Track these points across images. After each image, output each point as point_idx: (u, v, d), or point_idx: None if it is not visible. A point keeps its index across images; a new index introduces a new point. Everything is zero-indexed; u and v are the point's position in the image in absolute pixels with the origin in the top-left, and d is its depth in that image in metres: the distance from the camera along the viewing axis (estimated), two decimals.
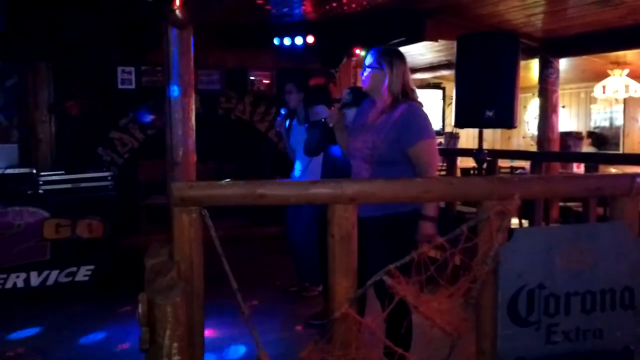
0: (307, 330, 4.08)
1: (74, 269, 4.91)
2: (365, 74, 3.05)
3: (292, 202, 2.11)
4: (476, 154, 5.27)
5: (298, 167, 4.80)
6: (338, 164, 3.94)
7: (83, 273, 4.94)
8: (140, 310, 1.95)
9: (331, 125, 3.22)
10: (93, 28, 6.36)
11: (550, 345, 2.24)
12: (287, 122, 4.93)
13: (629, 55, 7.22)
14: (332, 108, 3.99)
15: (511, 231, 2.21)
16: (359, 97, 3.66)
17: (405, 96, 3.00)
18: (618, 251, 2.26)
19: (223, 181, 2.12)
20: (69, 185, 5.05)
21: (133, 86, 6.86)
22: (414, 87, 3.08)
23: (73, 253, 4.91)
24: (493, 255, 2.13)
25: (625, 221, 2.28)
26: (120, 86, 6.81)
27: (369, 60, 3.05)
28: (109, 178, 5.22)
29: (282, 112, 4.91)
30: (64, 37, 6.29)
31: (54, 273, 4.84)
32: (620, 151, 8.95)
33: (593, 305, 2.26)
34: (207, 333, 2.29)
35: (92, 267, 4.97)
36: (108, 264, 5.05)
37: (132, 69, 6.85)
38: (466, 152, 7.21)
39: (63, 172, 5.11)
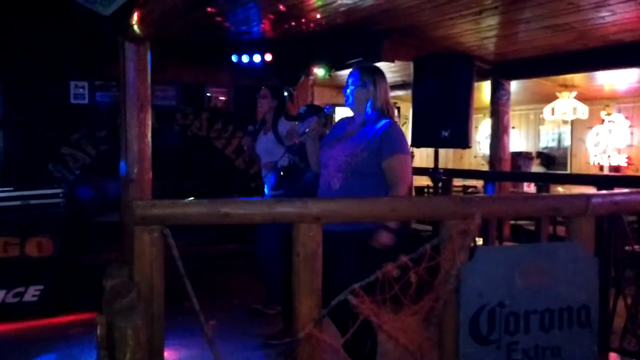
0: (267, 351, 4.03)
1: (22, 289, 4.72)
2: (349, 91, 3.12)
3: (257, 221, 2.09)
4: (432, 173, 5.35)
5: (267, 180, 4.74)
6: (300, 186, 3.92)
7: (32, 293, 4.76)
8: (98, 332, 1.89)
9: (306, 130, 3.23)
10: (46, 41, 6.22)
11: None
12: (256, 130, 4.82)
13: (577, 78, 7.50)
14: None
15: (472, 249, 2.24)
16: (314, 113, 3.70)
17: (386, 113, 3.09)
18: (575, 270, 2.31)
19: (186, 200, 2.08)
20: (18, 202, 4.87)
21: (86, 101, 6.72)
22: (393, 105, 3.19)
23: (21, 273, 4.72)
24: (455, 274, 2.15)
25: (581, 240, 2.34)
26: (73, 101, 6.66)
27: (352, 77, 3.12)
28: (61, 195, 5.06)
29: (249, 128, 4.81)
30: (15, 49, 6.13)
31: (1, 293, 4.64)
32: (568, 171, 9.24)
33: (551, 323, 2.31)
34: (167, 354, 2.24)
35: (41, 287, 4.78)
36: (58, 283, 4.88)
37: (86, 83, 6.72)
38: (421, 171, 7.33)
39: (12, 188, 4.94)
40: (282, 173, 3.98)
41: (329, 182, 3.04)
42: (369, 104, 3.08)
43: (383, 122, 3.03)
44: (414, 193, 7.31)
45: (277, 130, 4.60)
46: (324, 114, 3.45)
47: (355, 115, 3.18)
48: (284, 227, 4.18)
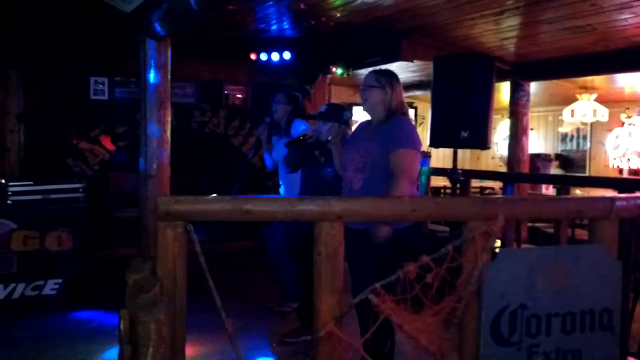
0: (282, 348, 4.04)
1: (41, 282, 4.77)
2: (367, 93, 3.18)
3: (279, 219, 2.10)
4: (451, 173, 5.32)
5: (282, 182, 4.76)
6: (319, 181, 3.91)
7: (50, 287, 4.81)
8: (122, 326, 1.91)
9: (329, 138, 3.32)
10: (66, 37, 6.27)
11: None
12: (268, 134, 4.84)
13: (597, 80, 7.41)
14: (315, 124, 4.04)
15: (494, 251, 2.23)
16: (335, 112, 3.74)
17: (400, 113, 3.17)
18: (598, 273, 2.30)
19: (209, 196, 2.09)
20: (38, 197, 4.91)
21: (106, 97, 6.76)
22: (407, 106, 3.27)
23: (41, 266, 4.77)
24: (477, 275, 2.14)
25: (604, 243, 2.32)
26: (92, 97, 6.70)
27: (370, 79, 3.19)
28: (81, 190, 5.10)
29: (266, 119, 4.81)
30: (37, 45, 6.18)
31: (21, 286, 4.69)
32: (587, 174, 9.15)
33: (573, 326, 2.29)
34: (187, 350, 2.25)
35: (60, 280, 4.83)
36: (76, 277, 4.92)
37: (105, 79, 6.75)
38: (439, 172, 7.30)
39: (32, 182, 4.98)
40: (301, 137, 3.97)
41: (350, 183, 3.12)
42: (385, 106, 3.14)
43: (394, 119, 3.11)
44: (423, 191, 7.27)
45: (291, 134, 4.62)
46: (343, 119, 3.50)
47: (372, 118, 3.25)
48: (292, 225, 4.21)
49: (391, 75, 3.23)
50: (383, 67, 3.46)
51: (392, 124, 3.08)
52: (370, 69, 3.57)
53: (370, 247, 2.93)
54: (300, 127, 4.56)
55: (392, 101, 3.14)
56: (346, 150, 3.24)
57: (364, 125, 3.36)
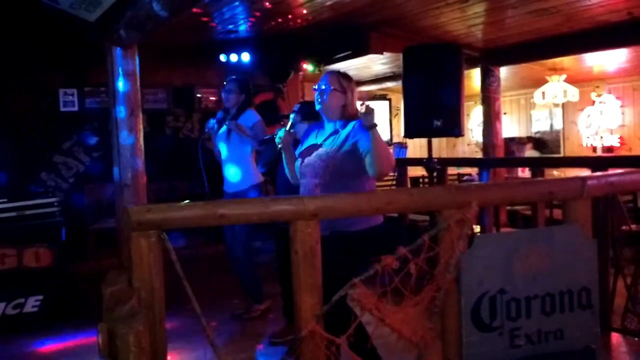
0: (269, 349, 4.02)
1: (21, 300, 4.70)
2: (325, 95, 3.04)
3: (255, 221, 2.08)
4: (427, 162, 5.34)
5: (227, 173, 4.66)
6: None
7: (32, 304, 4.74)
8: (100, 340, 1.88)
9: (280, 146, 3.18)
10: (33, 49, 6.18)
11: (514, 349, 2.28)
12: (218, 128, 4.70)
13: (566, 61, 7.49)
14: (282, 124, 4.00)
15: (471, 238, 2.25)
16: (309, 111, 3.67)
17: (354, 115, 3.04)
18: (574, 253, 2.32)
19: (182, 203, 2.07)
20: (13, 214, 4.85)
21: (76, 108, 6.68)
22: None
23: (20, 284, 4.70)
24: (455, 263, 2.16)
25: (578, 222, 2.35)
26: (62, 109, 6.62)
27: (332, 81, 3.06)
28: (55, 204, 5.04)
29: (218, 115, 4.68)
30: (4, 60, 6.09)
31: (1, 305, 4.63)
32: (561, 154, 9.25)
33: (552, 307, 2.31)
34: (169, 358, 2.23)
35: (40, 297, 4.77)
36: (57, 293, 4.86)
37: (75, 90, 6.68)
38: (415, 162, 7.32)
39: (6, 200, 4.91)
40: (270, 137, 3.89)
41: (310, 190, 2.93)
42: (343, 110, 3.05)
43: (353, 122, 2.98)
44: (409, 183, 7.30)
45: (240, 122, 4.53)
46: (293, 121, 3.44)
47: (325, 120, 3.13)
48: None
49: (350, 79, 3.17)
50: (341, 68, 3.34)
51: (353, 127, 2.94)
52: (338, 64, 3.51)
53: (340, 247, 2.77)
54: (253, 119, 4.53)
55: (350, 105, 3.06)
56: (302, 156, 3.08)
57: (314, 129, 3.21)
